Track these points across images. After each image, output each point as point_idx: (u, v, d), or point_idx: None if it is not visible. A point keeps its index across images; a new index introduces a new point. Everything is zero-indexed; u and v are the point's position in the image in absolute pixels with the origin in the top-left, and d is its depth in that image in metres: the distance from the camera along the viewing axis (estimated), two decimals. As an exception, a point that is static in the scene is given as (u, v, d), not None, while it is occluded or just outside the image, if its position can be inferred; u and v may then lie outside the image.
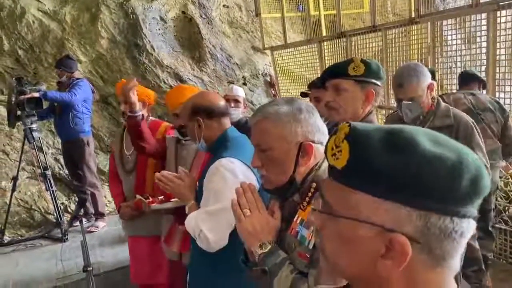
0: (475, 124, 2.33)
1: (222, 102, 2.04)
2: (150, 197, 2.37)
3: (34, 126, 4.33)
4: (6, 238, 4.55)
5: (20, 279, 3.69)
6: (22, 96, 4.20)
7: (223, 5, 6.73)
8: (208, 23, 6.42)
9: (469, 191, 0.58)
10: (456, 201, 0.58)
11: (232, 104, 3.22)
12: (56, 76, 4.82)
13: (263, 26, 6.85)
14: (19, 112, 4.31)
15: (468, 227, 0.60)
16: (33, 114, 4.31)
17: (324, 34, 6.08)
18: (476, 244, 3.28)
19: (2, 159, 5.04)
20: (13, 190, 4.46)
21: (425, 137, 0.60)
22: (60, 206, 4.65)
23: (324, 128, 1.31)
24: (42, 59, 5.37)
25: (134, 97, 2.48)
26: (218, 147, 1.93)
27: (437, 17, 4.35)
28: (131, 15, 5.75)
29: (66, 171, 5.09)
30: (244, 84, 6.64)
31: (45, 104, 4.54)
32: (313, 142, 1.27)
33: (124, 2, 5.73)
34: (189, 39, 6.26)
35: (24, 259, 4.11)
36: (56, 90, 4.66)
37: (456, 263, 0.62)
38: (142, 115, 2.60)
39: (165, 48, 5.97)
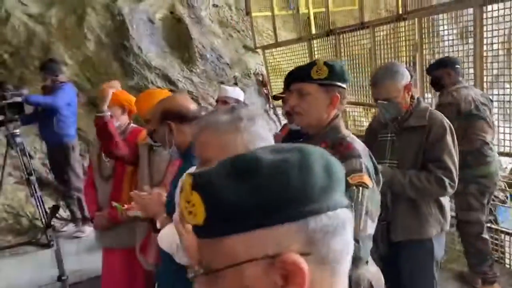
0: (452, 128, 2.26)
1: (193, 106, 1.99)
2: (125, 205, 2.31)
3: (17, 131, 4.26)
4: (-8, 244, 4.51)
5: (3, 286, 3.65)
6: (3, 101, 4.14)
7: (213, 5, 6.67)
8: (197, 23, 6.35)
9: (327, 179, 0.57)
10: (321, 195, 0.56)
11: (221, 106, 3.15)
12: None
13: (254, 25, 6.77)
14: (1, 117, 4.25)
15: (345, 216, 0.58)
16: (15, 119, 4.25)
17: (314, 32, 6.00)
18: (487, 236, 3.25)
19: (-12, 164, 4.99)
20: (-2, 196, 4.42)
21: (265, 151, 0.58)
22: (46, 211, 4.60)
23: (267, 136, 1.25)
24: (28, 63, 5.33)
25: (106, 98, 2.47)
26: (190, 153, 1.87)
27: (424, 13, 4.26)
28: (117, 16, 5.69)
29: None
30: (235, 84, 6.57)
31: (31, 109, 4.50)
32: (256, 152, 1.22)
33: (110, 3, 5.67)
34: (178, 39, 6.20)
35: (8, 266, 4.06)
36: (40, 94, 4.60)
37: (347, 265, 0.60)
38: (111, 115, 2.56)
39: (153, 49, 5.91)
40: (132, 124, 2.86)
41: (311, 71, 1.74)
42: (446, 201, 2.33)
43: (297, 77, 1.79)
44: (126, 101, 2.84)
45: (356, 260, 1.48)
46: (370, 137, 2.52)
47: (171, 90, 3.43)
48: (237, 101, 3.45)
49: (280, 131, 3.51)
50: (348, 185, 1.46)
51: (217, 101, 3.67)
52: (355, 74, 5.22)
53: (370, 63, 5.01)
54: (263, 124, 1.26)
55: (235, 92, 3.52)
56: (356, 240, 1.45)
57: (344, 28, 5.35)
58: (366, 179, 1.53)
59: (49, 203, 5.14)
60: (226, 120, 1.21)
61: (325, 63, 1.74)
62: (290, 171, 0.55)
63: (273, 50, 6.68)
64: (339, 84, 1.75)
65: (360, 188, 1.51)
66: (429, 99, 4.30)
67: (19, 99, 4.23)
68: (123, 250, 2.70)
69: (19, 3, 5.36)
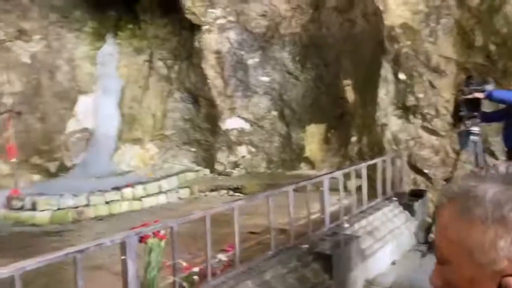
0: None
1: None
2: None
3: (474, 129, 4.02)
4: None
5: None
6: (462, 97, 3.98)
7: None
8: None
9: None
10: None
11: None
12: None
13: None
14: (462, 113, 4.12)
15: None
16: (474, 115, 4.01)
17: None
18: None
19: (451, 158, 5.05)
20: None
21: None
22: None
23: None
24: (514, 54, 4.81)
25: None
26: None
27: None
28: None
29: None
30: None
31: (492, 106, 4.13)
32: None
33: None
34: None
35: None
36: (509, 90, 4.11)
37: None
38: None
39: None
40: None
41: None
42: None
43: None
44: None
45: None
46: None
47: None
48: None
49: None
50: None
51: None
52: None
53: None
54: None
55: None
56: None
57: None
58: None
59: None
60: (492, 197, 0.62)
61: None
62: None
63: None
64: None
65: None
66: None
67: (480, 95, 3.95)
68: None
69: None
